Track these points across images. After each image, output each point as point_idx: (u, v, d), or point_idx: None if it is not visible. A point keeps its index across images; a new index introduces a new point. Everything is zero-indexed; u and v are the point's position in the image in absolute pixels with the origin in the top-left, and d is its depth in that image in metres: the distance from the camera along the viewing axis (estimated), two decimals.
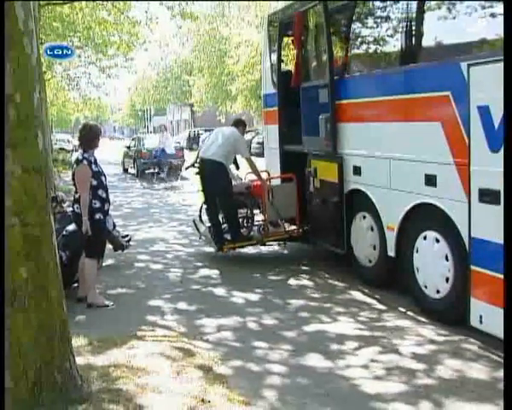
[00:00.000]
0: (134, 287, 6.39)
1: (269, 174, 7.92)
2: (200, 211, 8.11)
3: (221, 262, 7.49)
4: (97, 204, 5.57)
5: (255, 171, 7.50)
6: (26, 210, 3.14)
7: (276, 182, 7.84)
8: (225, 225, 7.46)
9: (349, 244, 6.42)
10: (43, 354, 3.21)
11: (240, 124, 7.72)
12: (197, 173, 7.68)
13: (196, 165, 7.84)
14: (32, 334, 3.17)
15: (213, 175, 7.19)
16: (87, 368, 3.79)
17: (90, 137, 5.70)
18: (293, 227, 7.53)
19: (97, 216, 5.59)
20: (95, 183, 5.57)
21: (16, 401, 3.10)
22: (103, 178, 5.69)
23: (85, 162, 5.59)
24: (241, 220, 7.59)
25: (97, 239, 5.67)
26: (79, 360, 3.74)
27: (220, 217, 7.45)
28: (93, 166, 5.62)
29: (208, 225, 7.71)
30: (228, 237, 7.40)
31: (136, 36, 19.60)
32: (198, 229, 8.05)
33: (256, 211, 7.77)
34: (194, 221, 8.34)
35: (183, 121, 64.10)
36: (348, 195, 6.30)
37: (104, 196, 5.65)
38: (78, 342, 4.25)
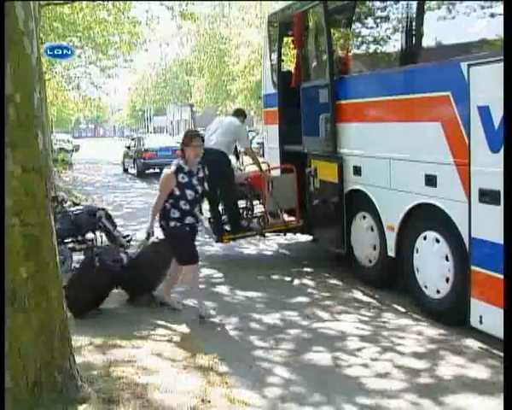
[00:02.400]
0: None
1: (269, 165, 7.91)
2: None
3: (222, 262, 7.49)
4: (176, 214, 5.14)
5: (256, 161, 7.50)
6: (26, 210, 3.14)
7: (277, 174, 7.83)
8: (225, 217, 7.47)
9: (349, 244, 6.42)
10: (43, 354, 3.21)
11: (240, 114, 7.70)
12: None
13: None
14: (32, 334, 3.17)
15: (215, 164, 7.13)
16: (87, 368, 3.80)
17: (183, 143, 5.28)
18: (292, 218, 7.53)
19: (172, 224, 5.16)
20: (177, 193, 5.13)
21: (16, 401, 3.10)
22: (190, 192, 5.14)
23: (173, 169, 5.18)
24: (240, 211, 7.59)
25: (178, 246, 5.26)
26: (79, 360, 3.74)
27: (220, 208, 7.45)
28: (181, 175, 5.14)
29: (208, 216, 7.70)
30: (227, 228, 7.40)
31: (137, 36, 19.62)
32: None
33: (256, 202, 7.78)
34: None
35: (183, 121, 64.11)
36: (348, 195, 6.30)
37: (187, 208, 5.14)
38: (78, 342, 4.25)
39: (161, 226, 5.24)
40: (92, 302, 5.41)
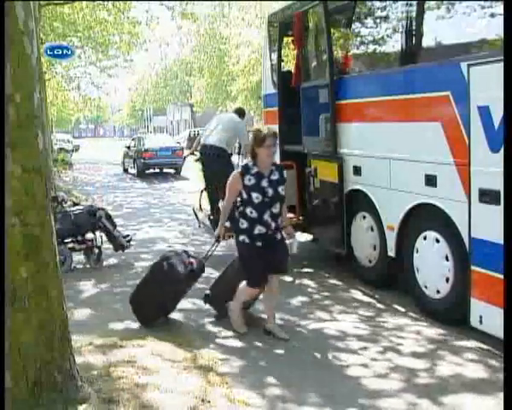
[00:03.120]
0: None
1: None
2: (200, 199, 8.06)
3: (222, 262, 7.47)
4: (244, 225, 4.62)
5: None
6: (26, 210, 3.14)
7: None
8: None
9: (349, 244, 6.42)
10: (43, 354, 3.21)
11: (240, 112, 7.70)
12: (197, 160, 7.64)
13: (196, 152, 7.82)
14: (32, 334, 3.17)
15: (215, 160, 7.12)
16: (87, 368, 3.79)
17: (254, 144, 4.66)
18: (292, 215, 7.53)
19: (241, 238, 4.65)
20: (245, 196, 4.63)
21: (16, 401, 3.09)
22: (257, 194, 4.56)
23: (239, 170, 4.71)
24: None
25: (244, 263, 4.75)
26: (80, 360, 3.74)
27: (220, 204, 7.44)
28: (248, 177, 4.61)
29: (208, 212, 7.68)
30: (227, 224, 7.38)
31: (137, 36, 19.64)
32: (197, 217, 8.03)
33: None
34: (193, 209, 8.31)
35: (183, 121, 64.12)
36: (348, 195, 6.30)
37: (254, 215, 4.57)
38: (78, 341, 4.25)
39: (234, 236, 4.83)
40: (160, 309, 5.02)
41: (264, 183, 4.62)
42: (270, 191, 4.61)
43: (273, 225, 4.63)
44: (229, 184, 4.77)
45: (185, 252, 5.31)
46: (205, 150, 7.29)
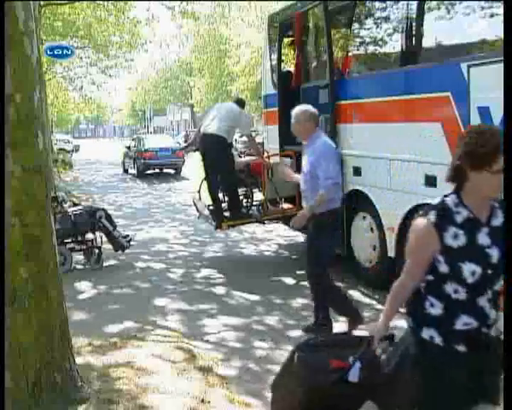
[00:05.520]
0: (134, 287, 6.39)
1: (268, 152, 7.91)
2: (200, 189, 8.04)
3: (222, 263, 7.50)
4: (437, 309, 2.34)
5: (255, 148, 7.47)
6: (26, 210, 3.14)
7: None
8: (224, 205, 7.47)
9: (349, 245, 6.41)
10: (43, 354, 3.21)
11: (239, 102, 7.68)
12: (196, 150, 7.62)
13: (195, 144, 7.82)
14: (32, 334, 3.18)
15: (215, 149, 7.03)
16: (87, 368, 3.79)
17: (469, 162, 2.21)
18: (291, 206, 7.53)
19: (427, 333, 2.34)
20: (444, 269, 2.29)
21: (16, 401, 3.10)
22: (474, 267, 2.24)
23: (432, 218, 2.30)
24: (240, 199, 7.60)
25: (431, 387, 2.34)
26: (79, 360, 3.74)
27: (220, 195, 7.44)
28: (452, 231, 2.27)
29: (207, 203, 7.68)
30: (227, 214, 7.40)
31: (137, 36, 19.67)
32: (197, 208, 8.02)
33: (255, 190, 7.78)
34: (193, 200, 8.29)
35: (183, 121, 64.18)
36: (348, 195, 6.29)
37: (462, 298, 2.29)
38: (78, 342, 4.25)
39: (410, 327, 2.44)
40: None
41: (484, 238, 2.31)
42: (495, 254, 2.30)
43: (492, 315, 2.38)
44: (412, 244, 2.48)
45: (327, 345, 2.82)
46: (204, 140, 7.22)
